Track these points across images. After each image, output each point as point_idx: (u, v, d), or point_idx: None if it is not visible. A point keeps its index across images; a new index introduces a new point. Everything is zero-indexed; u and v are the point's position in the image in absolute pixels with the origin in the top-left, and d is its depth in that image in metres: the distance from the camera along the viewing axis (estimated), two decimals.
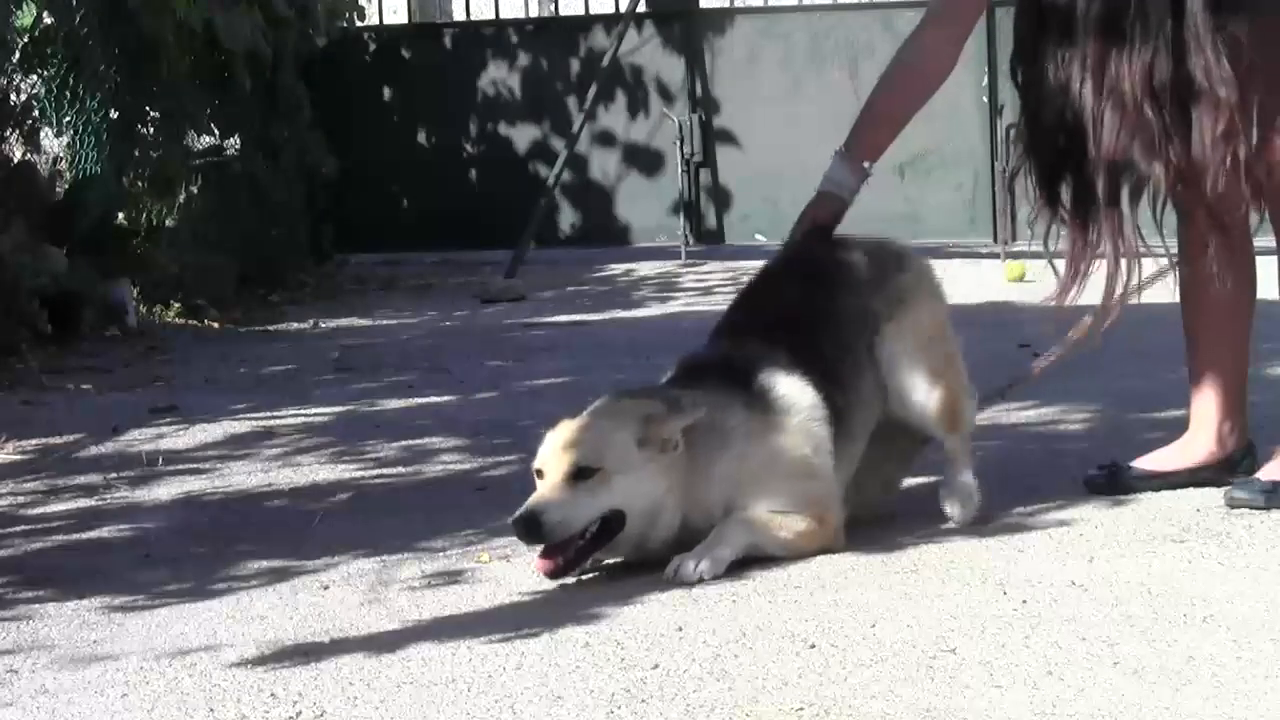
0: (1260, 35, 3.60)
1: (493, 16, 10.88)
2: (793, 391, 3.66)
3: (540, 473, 3.51)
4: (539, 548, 3.51)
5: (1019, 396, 3.77)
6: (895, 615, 3.19)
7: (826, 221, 3.91)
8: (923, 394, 3.82)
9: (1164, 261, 3.85)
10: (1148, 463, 4.03)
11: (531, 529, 3.43)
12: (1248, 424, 4.03)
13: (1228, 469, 3.98)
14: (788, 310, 3.82)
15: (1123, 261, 3.66)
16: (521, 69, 10.53)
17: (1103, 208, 3.64)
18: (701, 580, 3.44)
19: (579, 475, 3.47)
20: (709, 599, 3.35)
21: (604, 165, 10.43)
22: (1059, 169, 3.69)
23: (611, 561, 3.62)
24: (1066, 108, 3.61)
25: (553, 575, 3.49)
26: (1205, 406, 4.00)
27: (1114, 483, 4.00)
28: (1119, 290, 3.67)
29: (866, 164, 3.93)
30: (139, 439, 5.30)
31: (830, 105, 9.86)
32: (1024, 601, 3.24)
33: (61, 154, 8.32)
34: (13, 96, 8.11)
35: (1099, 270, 3.71)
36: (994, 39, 9.27)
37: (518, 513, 3.45)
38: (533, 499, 3.47)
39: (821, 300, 3.83)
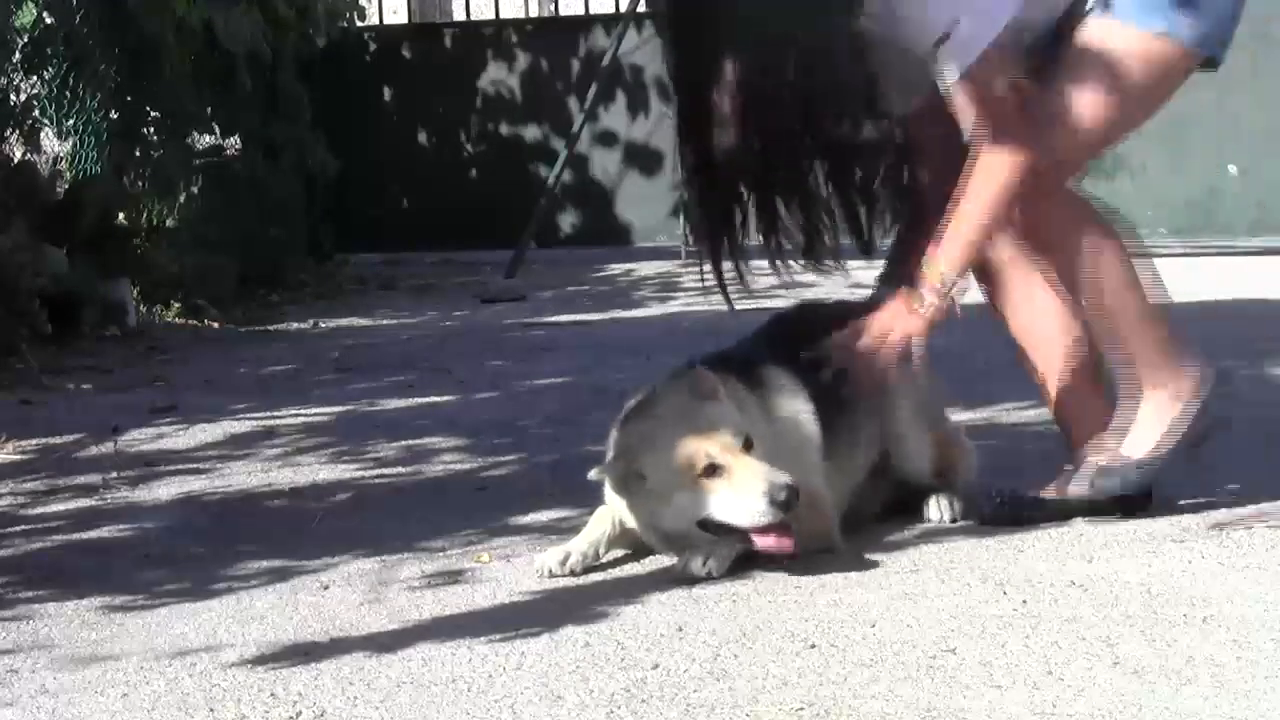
0: None
1: (493, 16, 10.89)
2: (789, 390, 3.69)
3: (717, 468, 3.40)
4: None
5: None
6: (895, 615, 3.19)
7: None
8: (918, 437, 3.87)
9: None
10: (1052, 491, 3.82)
11: (794, 501, 3.37)
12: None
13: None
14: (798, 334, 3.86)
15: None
16: (521, 69, 10.53)
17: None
18: (710, 576, 3.44)
19: (748, 448, 3.44)
20: (709, 599, 3.35)
21: (604, 165, 10.43)
22: None
23: (609, 559, 3.63)
24: None
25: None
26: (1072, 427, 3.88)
27: (1015, 513, 3.79)
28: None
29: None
30: (139, 439, 5.30)
31: None
32: (1024, 601, 3.24)
33: (62, 154, 8.32)
34: (13, 96, 8.11)
35: None
36: None
37: (774, 495, 3.34)
38: (765, 475, 3.37)
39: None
